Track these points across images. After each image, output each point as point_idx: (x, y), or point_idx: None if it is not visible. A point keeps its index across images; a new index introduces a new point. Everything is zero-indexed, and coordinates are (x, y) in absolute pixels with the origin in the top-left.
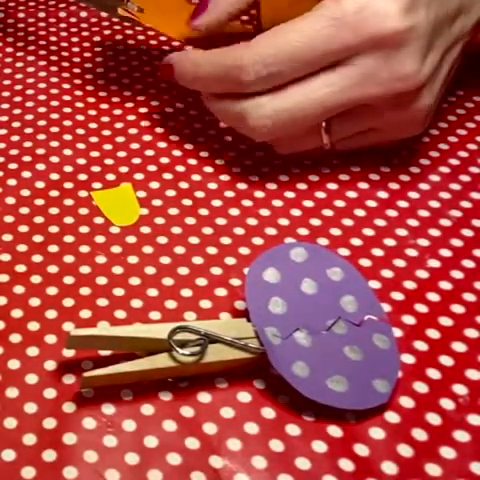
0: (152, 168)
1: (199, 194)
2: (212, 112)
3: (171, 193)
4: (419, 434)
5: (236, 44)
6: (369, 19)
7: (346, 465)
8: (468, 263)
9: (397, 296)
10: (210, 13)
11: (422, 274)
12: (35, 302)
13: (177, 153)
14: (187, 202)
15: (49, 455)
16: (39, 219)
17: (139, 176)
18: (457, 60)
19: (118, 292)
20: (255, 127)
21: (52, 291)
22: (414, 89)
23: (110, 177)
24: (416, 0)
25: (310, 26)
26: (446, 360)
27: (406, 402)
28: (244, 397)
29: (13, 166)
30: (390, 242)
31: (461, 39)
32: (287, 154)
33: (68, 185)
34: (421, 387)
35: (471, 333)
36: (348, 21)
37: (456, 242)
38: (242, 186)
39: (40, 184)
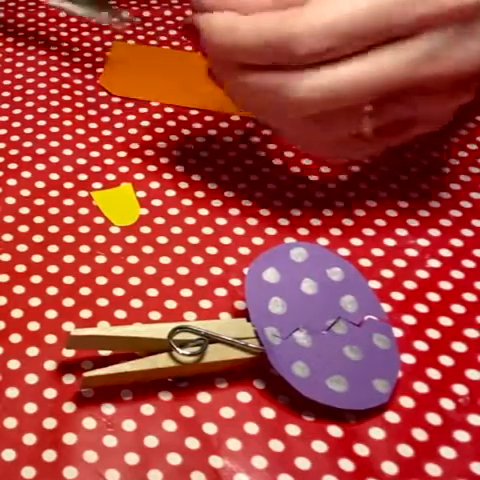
0: (152, 168)
1: (199, 194)
2: (234, 84)
3: (171, 193)
4: (419, 434)
5: (283, 10)
6: None
7: (346, 465)
8: (468, 263)
9: (397, 296)
10: None
11: (422, 274)
12: (35, 302)
13: (177, 153)
14: (187, 202)
15: (49, 455)
16: (39, 219)
17: (139, 176)
18: None
19: (118, 292)
20: (301, 99)
21: (52, 291)
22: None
23: (110, 177)
24: None
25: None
26: (446, 360)
27: (406, 402)
28: (244, 397)
29: (13, 166)
30: (390, 242)
31: None
32: (313, 154)
33: (68, 185)
34: (421, 387)
35: (471, 333)
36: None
37: (456, 242)
38: (242, 186)
39: (40, 184)
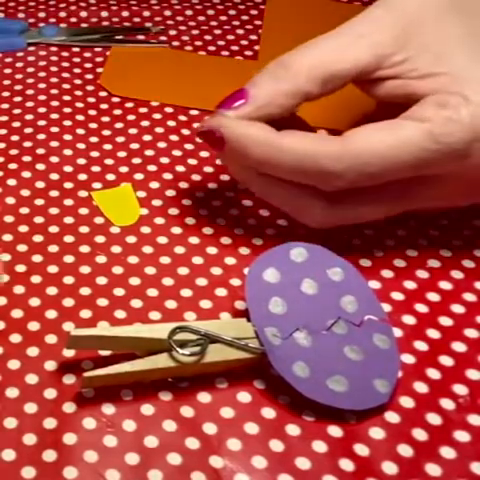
0: (152, 168)
1: (199, 194)
2: (256, 192)
3: (171, 193)
4: (419, 434)
5: (324, 134)
6: None
7: (346, 465)
8: (468, 263)
9: (397, 296)
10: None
11: (422, 274)
12: (35, 302)
13: (177, 153)
14: (187, 202)
15: (49, 455)
16: (39, 219)
17: (139, 176)
18: None
19: (118, 292)
20: (314, 225)
21: (52, 291)
22: None
23: (110, 177)
24: None
25: (413, 142)
26: (446, 360)
27: (406, 402)
28: (244, 397)
29: (13, 166)
30: (390, 242)
31: None
32: None
33: (68, 185)
34: (421, 387)
35: (471, 333)
36: (457, 150)
37: (456, 242)
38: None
39: (40, 184)
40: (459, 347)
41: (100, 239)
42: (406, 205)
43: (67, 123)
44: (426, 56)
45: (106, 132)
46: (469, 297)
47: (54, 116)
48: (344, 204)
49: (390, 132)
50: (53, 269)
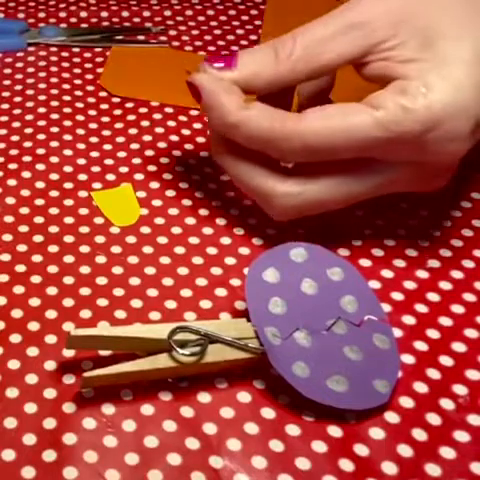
0: (152, 168)
1: (199, 194)
2: (229, 174)
3: (171, 193)
4: (419, 434)
5: (286, 112)
6: (441, 142)
7: (346, 465)
8: (468, 263)
9: (397, 296)
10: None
11: (422, 274)
12: (35, 302)
13: (177, 153)
14: (187, 202)
15: (49, 455)
16: (39, 219)
17: (139, 176)
18: None
19: (118, 292)
20: (278, 213)
21: (52, 291)
22: None
23: (110, 177)
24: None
25: (360, 128)
26: (446, 360)
27: (406, 402)
28: (244, 397)
29: (13, 166)
30: (390, 242)
31: None
32: None
33: (68, 185)
34: (421, 387)
35: (471, 333)
36: (408, 139)
37: (456, 242)
38: None
39: (40, 184)
40: (459, 347)
41: (100, 239)
42: (367, 188)
43: (67, 123)
44: (415, 40)
45: (106, 132)
46: (469, 297)
47: (54, 116)
48: (303, 186)
49: (341, 117)
50: (53, 269)
